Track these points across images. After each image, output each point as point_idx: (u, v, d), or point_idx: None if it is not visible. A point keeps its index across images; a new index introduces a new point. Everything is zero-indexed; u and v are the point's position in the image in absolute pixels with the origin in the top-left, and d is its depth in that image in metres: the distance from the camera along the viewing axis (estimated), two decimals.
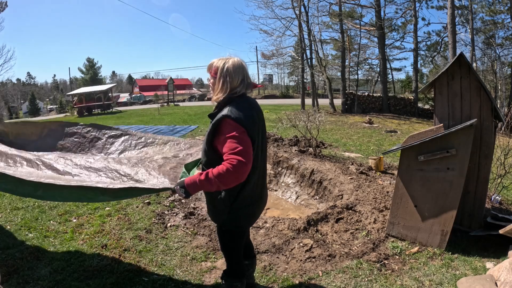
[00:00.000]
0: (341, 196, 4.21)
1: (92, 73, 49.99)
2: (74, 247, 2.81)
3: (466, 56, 4.75)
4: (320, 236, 3.12)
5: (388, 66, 20.02)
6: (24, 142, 2.83)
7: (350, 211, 3.61)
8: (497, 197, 3.92)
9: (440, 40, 19.18)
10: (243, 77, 1.57)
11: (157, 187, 1.82)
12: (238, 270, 1.88)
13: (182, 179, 1.56)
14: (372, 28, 17.82)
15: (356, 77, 20.71)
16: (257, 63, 42.31)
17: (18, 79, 59.65)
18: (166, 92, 29.30)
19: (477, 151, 2.90)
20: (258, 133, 1.58)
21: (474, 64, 18.26)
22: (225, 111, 1.48)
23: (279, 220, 3.35)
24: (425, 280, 2.38)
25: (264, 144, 1.74)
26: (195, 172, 2.02)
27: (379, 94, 18.02)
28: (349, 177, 4.73)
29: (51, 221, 3.30)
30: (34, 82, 64.68)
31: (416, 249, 2.83)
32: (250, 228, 2.19)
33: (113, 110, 22.73)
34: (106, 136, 2.85)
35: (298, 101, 18.88)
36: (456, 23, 13.98)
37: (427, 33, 19.93)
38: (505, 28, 17.81)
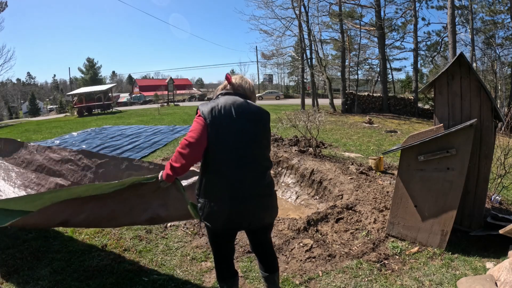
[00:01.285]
0: (341, 196, 4.21)
1: (92, 73, 50.05)
2: (74, 247, 2.81)
3: (466, 56, 4.76)
4: (320, 236, 3.12)
5: (388, 66, 20.04)
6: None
7: (350, 211, 3.61)
8: (497, 197, 3.92)
9: (440, 40, 19.21)
10: (225, 84, 1.84)
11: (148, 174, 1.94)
12: (219, 271, 1.84)
13: None
14: (372, 28, 17.83)
15: (356, 77, 20.73)
16: (257, 63, 42.34)
17: (18, 79, 59.80)
18: (166, 92, 29.32)
19: (477, 151, 2.90)
20: (221, 125, 1.60)
21: (474, 64, 18.26)
22: None
23: (279, 220, 3.35)
24: (425, 280, 2.38)
25: (246, 145, 1.64)
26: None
27: (379, 94, 18.02)
28: (349, 177, 4.73)
29: None
30: (34, 82, 64.78)
31: (416, 249, 2.83)
32: (259, 233, 1.89)
33: (113, 110, 22.72)
34: (96, 164, 2.82)
35: (298, 101, 18.90)
36: (456, 23, 13.98)
37: (427, 33, 19.99)
38: (505, 28, 17.84)
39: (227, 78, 1.81)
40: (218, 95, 1.79)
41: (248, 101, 1.75)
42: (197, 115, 1.65)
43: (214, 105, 1.63)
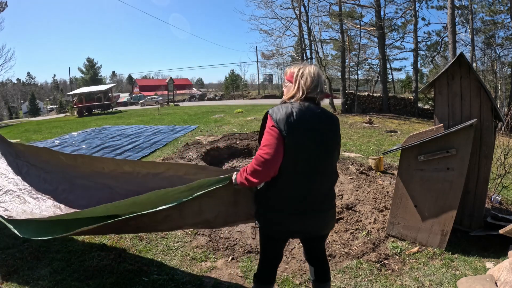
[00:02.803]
0: (341, 196, 4.21)
1: (92, 73, 49.99)
2: (74, 247, 2.81)
3: (466, 56, 4.76)
4: None
5: (388, 66, 20.00)
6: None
7: (350, 211, 3.61)
8: (497, 197, 3.92)
9: (440, 40, 19.17)
10: (316, 83, 1.60)
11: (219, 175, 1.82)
12: (261, 274, 1.84)
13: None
14: (372, 28, 17.81)
15: (356, 77, 20.69)
16: (257, 63, 42.35)
17: (18, 79, 59.73)
18: (166, 92, 29.29)
19: (477, 151, 2.90)
20: (297, 137, 1.49)
21: (474, 64, 18.25)
22: (271, 109, 1.57)
23: None
24: (425, 280, 2.38)
25: (318, 157, 1.56)
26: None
27: (379, 94, 18.01)
28: (349, 177, 4.73)
29: None
30: (34, 82, 64.73)
31: (416, 249, 2.83)
32: (301, 240, 1.91)
33: (113, 110, 22.70)
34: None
35: None
36: (456, 23, 13.98)
37: (427, 33, 19.89)
38: (505, 28, 17.80)
39: (325, 96, 1.63)
40: (290, 99, 1.61)
41: (320, 107, 1.61)
42: (271, 125, 1.49)
43: (289, 114, 1.49)
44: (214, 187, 1.77)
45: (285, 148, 1.48)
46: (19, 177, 2.59)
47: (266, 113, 1.56)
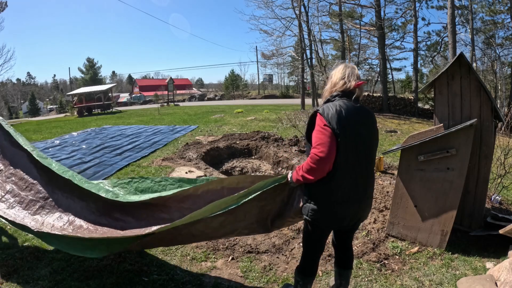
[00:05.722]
0: None
1: (92, 73, 50.00)
2: None
3: (466, 56, 4.75)
4: None
5: (388, 66, 20.01)
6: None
7: None
8: (497, 197, 3.92)
9: (440, 40, 19.17)
10: (343, 78, 1.71)
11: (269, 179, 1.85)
12: (305, 267, 1.91)
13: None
14: (372, 28, 17.80)
15: None
16: (257, 63, 42.38)
17: (18, 79, 59.65)
18: (166, 92, 29.30)
19: (477, 151, 2.90)
20: (347, 133, 1.58)
21: (474, 64, 18.25)
22: (319, 107, 1.68)
23: None
24: (425, 280, 2.38)
25: (364, 150, 1.67)
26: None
27: (379, 94, 18.00)
28: None
29: None
30: (34, 82, 64.69)
31: (416, 249, 2.83)
32: (343, 232, 1.98)
33: (113, 110, 22.71)
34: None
35: (298, 101, 18.90)
36: (456, 23, 13.98)
37: (427, 33, 19.88)
38: (505, 28, 17.80)
39: (357, 85, 1.69)
40: (335, 96, 1.70)
41: (361, 104, 1.72)
42: (323, 124, 1.58)
43: (339, 112, 1.58)
44: (271, 187, 1.82)
45: (338, 144, 1.57)
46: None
47: (315, 112, 1.66)
